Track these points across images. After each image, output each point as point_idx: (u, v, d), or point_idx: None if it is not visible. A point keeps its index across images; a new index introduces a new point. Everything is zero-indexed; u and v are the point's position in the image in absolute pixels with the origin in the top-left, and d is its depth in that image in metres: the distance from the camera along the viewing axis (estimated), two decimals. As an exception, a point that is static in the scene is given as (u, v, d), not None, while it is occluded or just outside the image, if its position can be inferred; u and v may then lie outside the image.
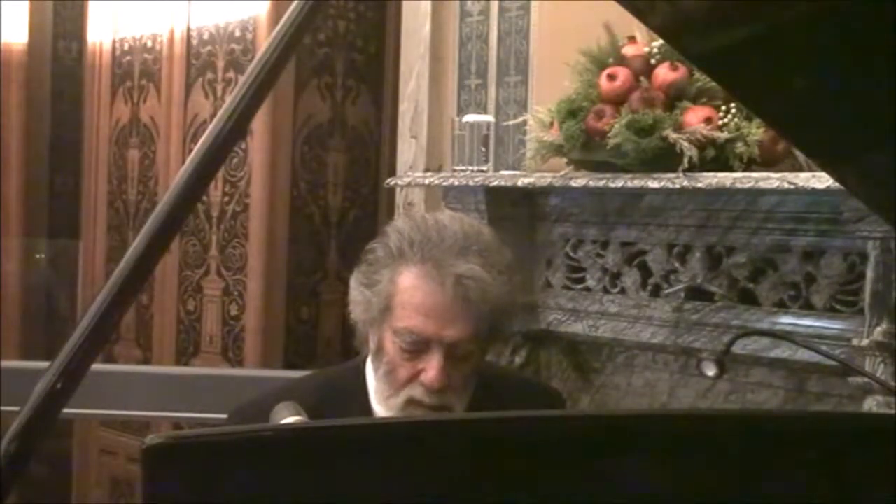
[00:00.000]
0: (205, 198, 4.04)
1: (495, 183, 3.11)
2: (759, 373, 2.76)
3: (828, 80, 1.02)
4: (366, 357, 1.87)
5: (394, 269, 1.76)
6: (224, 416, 1.90)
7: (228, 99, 1.11)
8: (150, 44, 4.50)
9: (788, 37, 0.99)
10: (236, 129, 1.11)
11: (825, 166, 1.50)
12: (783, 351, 2.63)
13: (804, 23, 0.97)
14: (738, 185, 2.60)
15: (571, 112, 2.85)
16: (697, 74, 2.73)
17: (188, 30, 4.32)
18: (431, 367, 1.74)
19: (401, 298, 1.75)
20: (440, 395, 1.75)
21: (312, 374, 2.12)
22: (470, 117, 3.24)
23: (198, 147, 1.09)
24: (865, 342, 2.44)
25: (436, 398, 1.75)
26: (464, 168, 3.17)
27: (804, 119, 1.10)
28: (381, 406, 1.82)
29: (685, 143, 2.65)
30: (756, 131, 2.65)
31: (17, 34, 5.02)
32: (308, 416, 1.64)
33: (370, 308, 1.78)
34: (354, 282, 1.82)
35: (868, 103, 1.03)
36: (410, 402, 1.76)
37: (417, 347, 1.75)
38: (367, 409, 1.83)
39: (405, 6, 3.78)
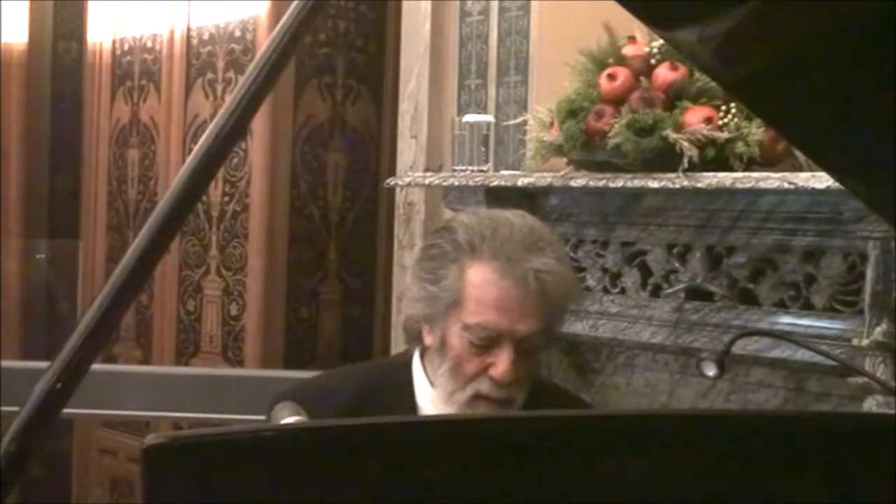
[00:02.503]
0: (205, 198, 4.04)
1: (495, 183, 3.11)
2: (759, 373, 2.76)
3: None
4: (413, 354, 1.86)
5: (463, 264, 1.74)
6: (224, 416, 1.91)
7: (228, 99, 1.11)
8: (150, 44, 4.50)
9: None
10: (236, 129, 1.11)
11: (826, 168, 1.50)
12: (783, 351, 2.63)
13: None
14: (738, 185, 2.59)
15: (571, 112, 2.85)
16: (697, 74, 2.73)
17: (188, 30, 4.32)
18: (502, 361, 1.73)
19: (472, 293, 1.73)
20: (507, 389, 1.75)
21: (356, 366, 2.11)
22: (470, 117, 3.23)
23: (198, 147, 1.09)
24: (865, 342, 2.44)
25: (503, 391, 1.75)
26: (464, 168, 3.16)
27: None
28: (437, 404, 1.80)
29: (685, 143, 2.65)
30: (756, 131, 2.65)
31: (17, 34, 5.02)
32: (349, 409, 1.64)
33: (435, 303, 1.76)
34: (414, 277, 1.81)
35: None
36: (477, 397, 1.76)
37: (488, 342, 1.74)
38: (412, 405, 1.82)
39: (405, 6, 3.78)
